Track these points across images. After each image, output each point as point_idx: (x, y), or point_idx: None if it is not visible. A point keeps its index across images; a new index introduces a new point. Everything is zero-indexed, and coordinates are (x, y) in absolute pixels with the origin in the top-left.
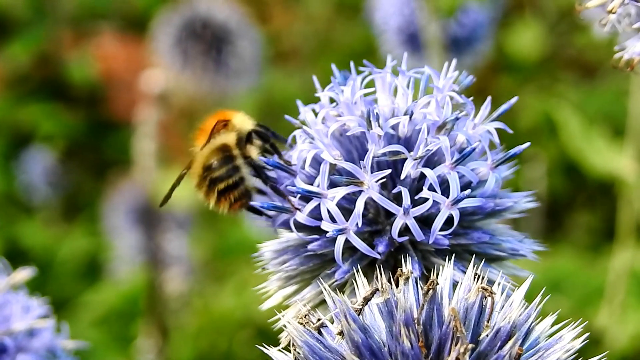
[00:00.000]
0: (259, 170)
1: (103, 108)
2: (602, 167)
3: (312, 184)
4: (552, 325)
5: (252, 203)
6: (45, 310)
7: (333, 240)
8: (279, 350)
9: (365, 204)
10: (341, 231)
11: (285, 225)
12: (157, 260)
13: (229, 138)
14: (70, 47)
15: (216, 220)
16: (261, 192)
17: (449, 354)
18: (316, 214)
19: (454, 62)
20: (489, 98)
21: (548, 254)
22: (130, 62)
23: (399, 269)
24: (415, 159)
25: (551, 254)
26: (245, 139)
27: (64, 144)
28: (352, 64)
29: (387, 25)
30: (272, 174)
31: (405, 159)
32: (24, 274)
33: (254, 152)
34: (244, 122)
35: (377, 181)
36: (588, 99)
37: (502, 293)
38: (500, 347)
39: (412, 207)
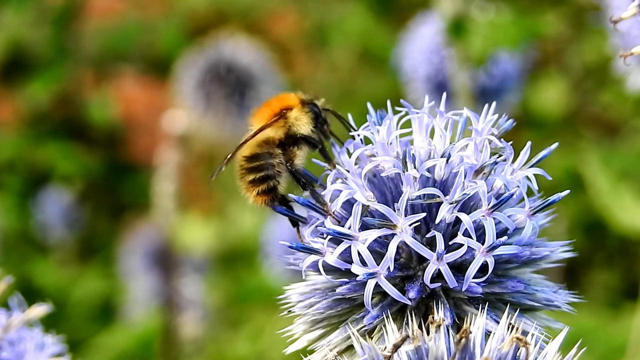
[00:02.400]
0: (296, 177)
1: (122, 150)
2: (630, 224)
3: (343, 225)
4: None
5: (279, 209)
6: (60, 349)
7: (363, 284)
8: None
9: (398, 248)
10: (372, 275)
11: (314, 267)
12: (173, 304)
13: (276, 133)
14: (91, 87)
15: (233, 266)
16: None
17: None
18: (346, 256)
19: (494, 105)
20: (529, 143)
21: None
22: (150, 105)
23: (430, 316)
24: (451, 203)
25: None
26: (292, 141)
27: (81, 184)
28: (389, 103)
29: (415, 74)
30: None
31: (440, 203)
32: (40, 310)
33: (298, 157)
34: (300, 118)
35: (410, 225)
36: (611, 157)
37: (535, 344)
38: None
39: (446, 253)
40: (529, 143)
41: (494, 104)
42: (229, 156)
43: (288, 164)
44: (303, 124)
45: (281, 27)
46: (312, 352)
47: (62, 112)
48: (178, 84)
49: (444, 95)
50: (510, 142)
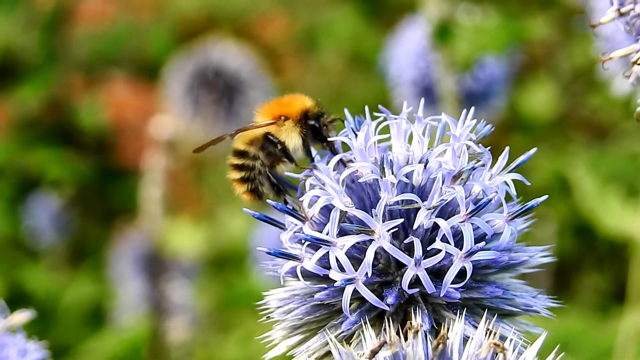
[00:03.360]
0: (271, 182)
1: (112, 155)
2: (616, 227)
3: (321, 231)
4: None
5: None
6: (43, 355)
7: (341, 290)
8: None
9: (376, 253)
10: (350, 281)
11: (293, 273)
12: (161, 309)
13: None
14: (80, 92)
15: (223, 271)
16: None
17: None
18: (324, 262)
19: (472, 110)
20: (507, 148)
21: (555, 313)
22: (141, 110)
23: (408, 322)
24: (429, 209)
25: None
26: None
27: (71, 189)
28: (366, 109)
29: (402, 78)
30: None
31: (418, 209)
32: (22, 316)
33: (281, 163)
34: (291, 132)
35: (388, 230)
36: (600, 160)
37: (514, 350)
38: None
39: (424, 259)
40: (507, 148)
41: (472, 109)
42: (220, 136)
43: (267, 169)
44: (291, 138)
45: (271, 31)
46: (291, 357)
47: (52, 117)
48: (166, 89)
49: (422, 100)
50: (505, 147)
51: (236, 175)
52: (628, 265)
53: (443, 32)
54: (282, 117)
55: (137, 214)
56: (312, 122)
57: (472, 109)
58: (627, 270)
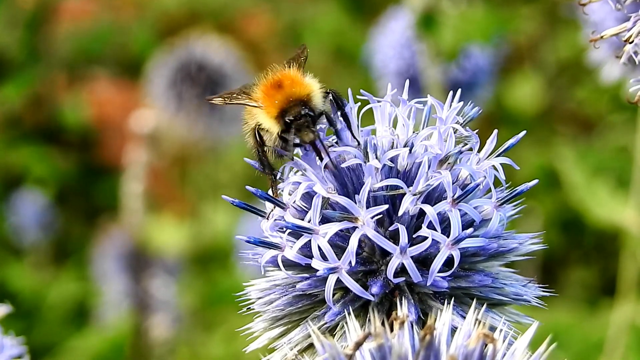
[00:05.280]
0: (262, 162)
1: (95, 153)
2: (605, 218)
3: (303, 219)
4: None
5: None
6: (20, 351)
7: (324, 279)
8: None
9: (360, 241)
10: (333, 270)
11: (274, 262)
12: (143, 306)
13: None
14: (64, 90)
15: (207, 267)
16: None
17: None
18: (306, 251)
19: (459, 93)
20: (495, 131)
21: (544, 306)
22: (124, 108)
23: (394, 312)
24: (415, 195)
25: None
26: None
27: (55, 187)
28: (349, 91)
29: (386, 69)
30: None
31: (403, 194)
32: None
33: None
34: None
35: (373, 217)
36: (586, 154)
37: (504, 340)
38: None
39: (410, 246)
40: (495, 132)
41: (459, 91)
42: (229, 94)
43: (259, 148)
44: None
45: (254, 27)
46: (273, 350)
47: (36, 115)
48: (149, 84)
49: (407, 82)
50: (485, 141)
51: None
52: (615, 260)
53: (428, 20)
54: (290, 101)
55: (121, 212)
56: (287, 118)
57: (459, 91)
58: (614, 265)
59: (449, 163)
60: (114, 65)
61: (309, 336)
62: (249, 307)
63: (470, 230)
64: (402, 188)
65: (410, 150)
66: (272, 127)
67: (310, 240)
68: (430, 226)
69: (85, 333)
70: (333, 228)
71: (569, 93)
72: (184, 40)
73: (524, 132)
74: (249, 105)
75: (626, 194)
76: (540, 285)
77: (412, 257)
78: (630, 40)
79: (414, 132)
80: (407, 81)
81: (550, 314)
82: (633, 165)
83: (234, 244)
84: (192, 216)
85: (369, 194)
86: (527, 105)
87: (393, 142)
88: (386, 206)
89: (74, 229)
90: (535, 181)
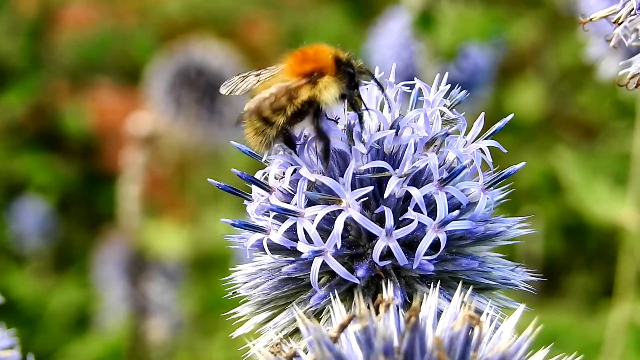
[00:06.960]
0: (288, 139)
1: (97, 160)
2: (604, 215)
3: (289, 202)
4: None
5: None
6: (11, 342)
7: (309, 263)
8: None
9: (346, 224)
10: (318, 253)
11: (259, 246)
12: (140, 309)
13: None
14: (66, 98)
15: (207, 273)
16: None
17: None
18: (292, 234)
19: (446, 75)
20: (482, 114)
21: (544, 309)
22: (126, 115)
23: (379, 295)
24: (401, 177)
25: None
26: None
27: (57, 195)
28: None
29: (384, 69)
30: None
31: (389, 177)
32: None
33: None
34: (329, 87)
35: (358, 200)
36: (587, 160)
37: (491, 324)
38: None
39: (396, 229)
40: (482, 114)
41: (446, 74)
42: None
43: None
44: (329, 94)
45: (257, 34)
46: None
47: (38, 123)
48: (149, 89)
49: (394, 65)
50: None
51: (254, 126)
52: (617, 265)
53: (425, 20)
54: (316, 74)
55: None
56: (348, 69)
57: (446, 74)
58: (616, 270)
59: (435, 145)
60: (116, 73)
61: (295, 320)
62: (235, 292)
63: (456, 212)
64: (388, 170)
65: (397, 133)
66: (329, 90)
67: (295, 224)
68: (417, 209)
69: (85, 339)
70: (319, 211)
71: (571, 99)
72: (183, 44)
73: (511, 115)
74: (294, 87)
75: (624, 192)
76: (540, 294)
77: (398, 240)
78: (620, 22)
79: (401, 114)
80: (394, 64)
81: (550, 316)
82: (632, 165)
83: (233, 249)
84: (192, 222)
85: (354, 176)
86: (529, 112)
87: (379, 125)
88: (371, 188)
89: (76, 236)
90: (522, 164)
